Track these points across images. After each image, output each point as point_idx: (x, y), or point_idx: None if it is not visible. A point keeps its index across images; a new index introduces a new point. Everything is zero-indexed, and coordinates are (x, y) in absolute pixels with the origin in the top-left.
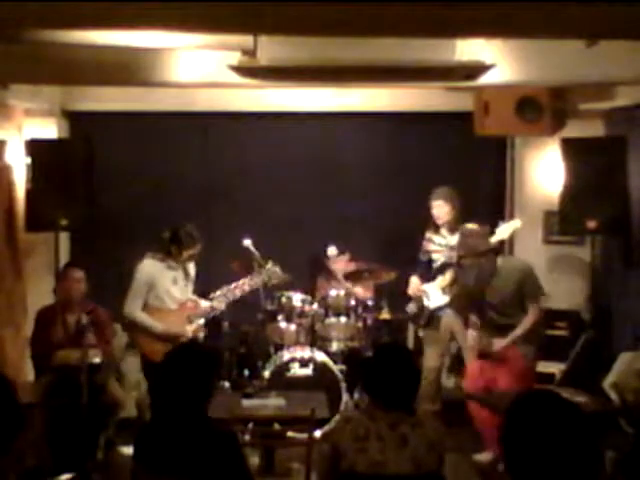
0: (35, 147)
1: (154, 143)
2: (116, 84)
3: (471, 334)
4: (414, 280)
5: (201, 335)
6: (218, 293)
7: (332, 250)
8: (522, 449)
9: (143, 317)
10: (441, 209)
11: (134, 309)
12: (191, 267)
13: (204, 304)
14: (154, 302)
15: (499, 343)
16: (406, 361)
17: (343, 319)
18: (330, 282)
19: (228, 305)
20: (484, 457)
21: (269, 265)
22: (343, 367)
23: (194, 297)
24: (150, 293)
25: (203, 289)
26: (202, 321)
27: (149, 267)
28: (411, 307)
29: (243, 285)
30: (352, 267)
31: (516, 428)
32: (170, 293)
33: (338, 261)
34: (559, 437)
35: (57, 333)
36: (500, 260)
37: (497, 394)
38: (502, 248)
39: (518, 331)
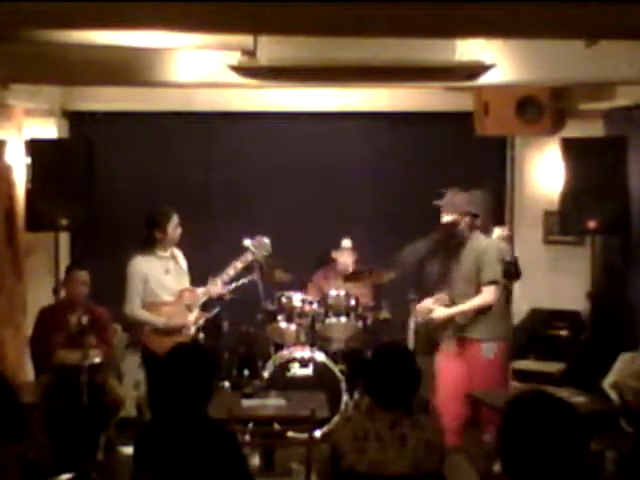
0: (35, 147)
1: (154, 143)
2: (116, 84)
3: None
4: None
5: (201, 335)
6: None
7: (347, 242)
8: (519, 449)
9: (144, 314)
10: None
11: (133, 307)
12: (180, 256)
13: (200, 290)
14: (150, 297)
15: (440, 312)
16: (406, 361)
17: (343, 319)
18: (329, 280)
19: (226, 302)
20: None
21: (257, 237)
22: (343, 367)
23: (189, 287)
24: (145, 289)
25: (203, 285)
26: (204, 320)
27: (139, 263)
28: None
29: (235, 263)
30: (353, 267)
31: (513, 428)
32: (164, 284)
33: (346, 255)
34: (555, 436)
35: (58, 333)
36: (475, 235)
37: (494, 393)
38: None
39: (463, 306)
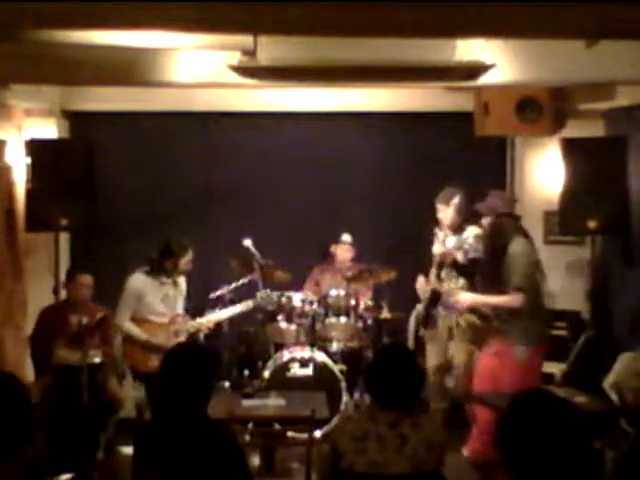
0: (35, 147)
1: (154, 143)
2: (116, 84)
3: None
4: (420, 279)
5: (201, 336)
6: (209, 314)
7: (347, 237)
8: (520, 448)
9: (130, 327)
10: (443, 213)
11: (122, 319)
12: (182, 282)
13: (192, 322)
14: (141, 313)
15: (466, 297)
16: (408, 361)
17: (343, 319)
18: (324, 274)
19: (226, 302)
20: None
21: (264, 292)
22: (343, 367)
23: (183, 313)
24: (138, 305)
25: (202, 289)
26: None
27: (138, 282)
28: (418, 309)
29: (235, 307)
30: (353, 265)
31: (514, 427)
32: (156, 309)
33: (345, 250)
34: (557, 436)
35: (58, 333)
36: (517, 239)
37: (496, 394)
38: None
39: (488, 299)
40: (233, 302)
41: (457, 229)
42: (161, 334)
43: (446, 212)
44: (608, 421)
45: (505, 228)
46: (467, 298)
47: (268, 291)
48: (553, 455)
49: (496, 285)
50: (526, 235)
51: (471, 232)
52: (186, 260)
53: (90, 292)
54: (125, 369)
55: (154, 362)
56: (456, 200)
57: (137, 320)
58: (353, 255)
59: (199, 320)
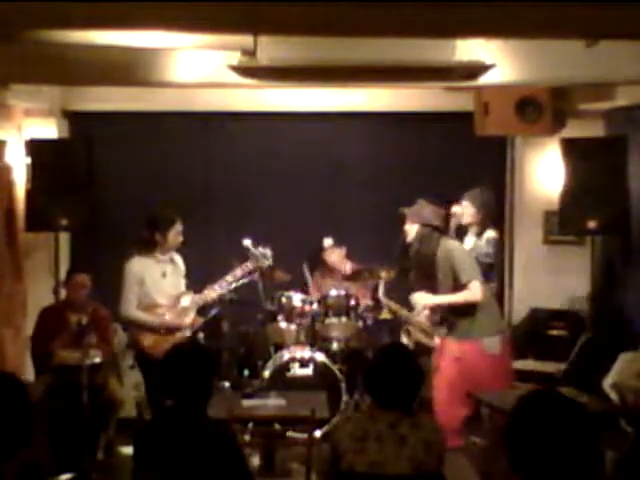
0: (35, 147)
1: (154, 143)
2: (116, 84)
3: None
4: None
5: (201, 336)
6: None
7: (328, 241)
8: (527, 448)
9: (139, 314)
10: (466, 210)
11: (129, 308)
12: (179, 260)
13: (197, 295)
14: (146, 299)
15: (425, 299)
16: (408, 361)
17: (343, 319)
18: (326, 279)
19: (226, 302)
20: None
21: (259, 248)
22: (343, 367)
23: (186, 290)
24: (141, 290)
25: (202, 289)
26: (200, 324)
27: (137, 265)
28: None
29: (235, 271)
30: (348, 263)
31: (522, 427)
32: (160, 288)
33: (333, 253)
34: (565, 436)
35: (58, 333)
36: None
37: (498, 394)
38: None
39: (447, 297)
40: (232, 302)
41: (481, 231)
42: (170, 314)
43: (469, 209)
44: (608, 421)
45: (431, 236)
46: (426, 299)
47: (261, 249)
48: (560, 455)
49: (430, 289)
50: (484, 230)
51: (489, 235)
52: (175, 232)
53: (87, 292)
54: (131, 360)
55: (165, 346)
56: (480, 199)
57: (144, 307)
58: (345, 253)
59: (205, 292)
